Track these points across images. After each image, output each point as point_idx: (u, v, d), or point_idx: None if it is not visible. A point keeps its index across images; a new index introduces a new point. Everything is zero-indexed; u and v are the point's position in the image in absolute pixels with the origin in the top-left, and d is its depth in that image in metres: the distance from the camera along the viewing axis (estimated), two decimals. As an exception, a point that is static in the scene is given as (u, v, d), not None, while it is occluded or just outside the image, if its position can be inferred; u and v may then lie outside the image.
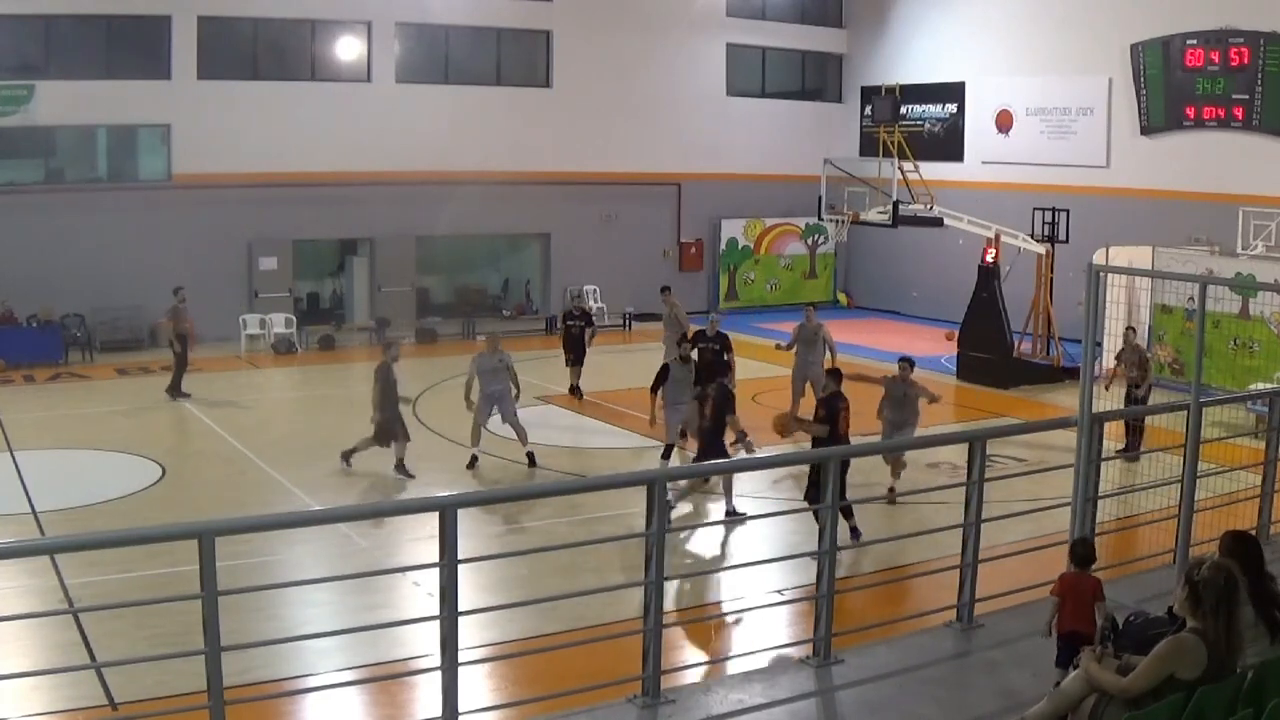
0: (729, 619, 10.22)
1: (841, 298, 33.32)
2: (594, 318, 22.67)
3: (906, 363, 15.16)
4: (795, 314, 25.74)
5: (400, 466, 15.69)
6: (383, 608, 10.32)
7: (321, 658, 9.46)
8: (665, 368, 16.28)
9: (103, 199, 24.70)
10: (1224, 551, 6.06)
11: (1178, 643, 5.53)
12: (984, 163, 29.62)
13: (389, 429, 15.71)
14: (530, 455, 16.17)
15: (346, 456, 15.91)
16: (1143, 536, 8.96)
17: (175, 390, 20.26)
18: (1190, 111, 25.12)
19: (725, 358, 17.26)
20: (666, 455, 15.75)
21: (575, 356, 21.00)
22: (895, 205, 23.68)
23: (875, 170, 24.62)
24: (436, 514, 6.02)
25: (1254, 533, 9.18)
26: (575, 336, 21.17)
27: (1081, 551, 7.09)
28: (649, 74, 30.29)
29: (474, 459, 16.13)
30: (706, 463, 13.26)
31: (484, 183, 27.43)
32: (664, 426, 15.92)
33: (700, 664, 8.79)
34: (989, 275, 22.85)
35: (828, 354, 18.05)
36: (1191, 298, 17.02)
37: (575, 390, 20.95)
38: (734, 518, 13.61)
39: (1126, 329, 18.16)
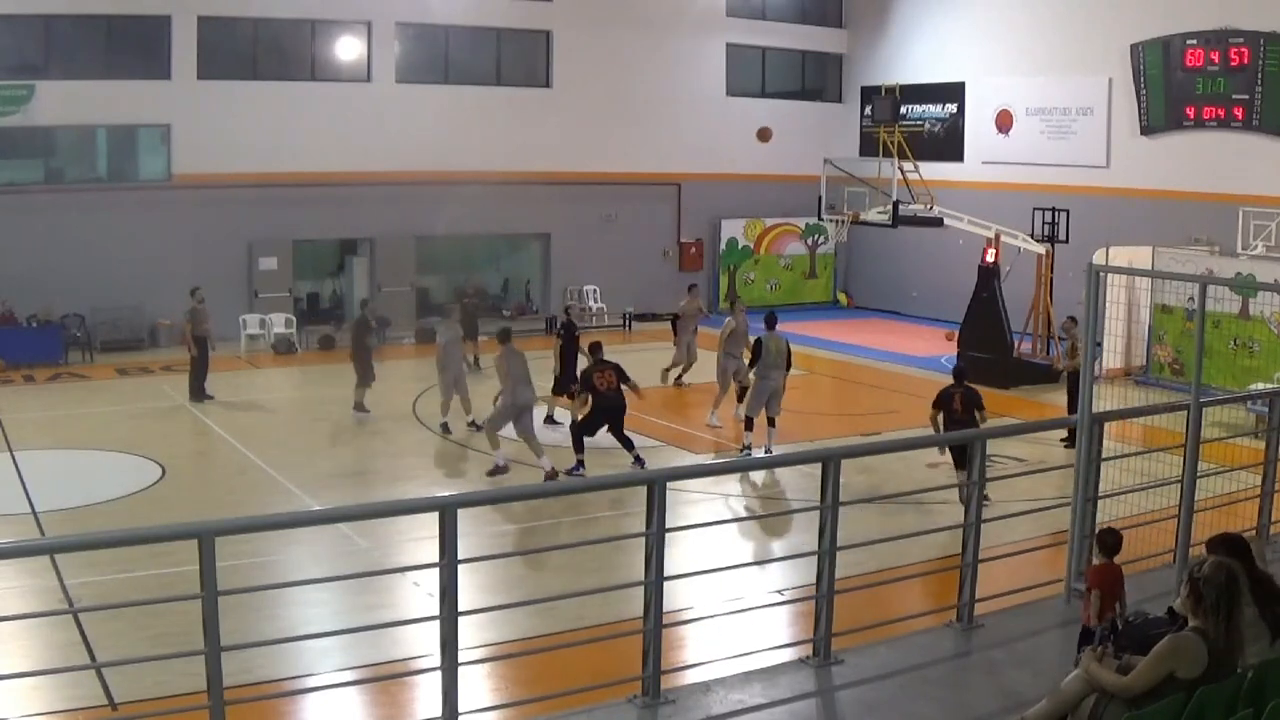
0: (729, 619, 10.20)
1: (841, 298, 33.32)
2: (483, 294, 24.36)
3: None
4: (795, 314, 25.90)
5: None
6: (383, 608, 10.32)
7: (321, 658, 9.47)
8: (758, 342, 17.27)
9: (103, 199, 24.70)
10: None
11: (1178, 641, 5.53)
12: (984, 163, 29.60)
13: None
14: (472, 423, 18.02)
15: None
16: (1143, 536, 8.95)
17: (199, 392, 20.16)
18: (1190, 111, 25.12)
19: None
20: (749, 427, 16.97)
21: (468, 332, 22.46)
22: (895, 205, 23.70)
23: (875, 170, 24.64)
24: (436, 514, 6.03)
25: (1254, 533, 9.21)
26: (470, 313, 22.93)
27: (1111, 541, 7.20)
28: (649, 74, 30.29)
29: (444, 426, 18.26)
30: (709, 463, 13.27)
31: (484, 183, 27.43)
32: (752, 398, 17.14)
33: (700, 664, 8.79)
34: (989, 275, 22.85)
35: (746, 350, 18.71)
36: (1191, 298, 17.02)
37: (475, 362, 22.57)
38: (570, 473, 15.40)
39: (1067, 318, 18.70)
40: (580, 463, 15.72)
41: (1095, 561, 7.26)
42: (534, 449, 15.54)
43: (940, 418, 14.59)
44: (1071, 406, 17.42)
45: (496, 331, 16.55)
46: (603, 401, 15.79)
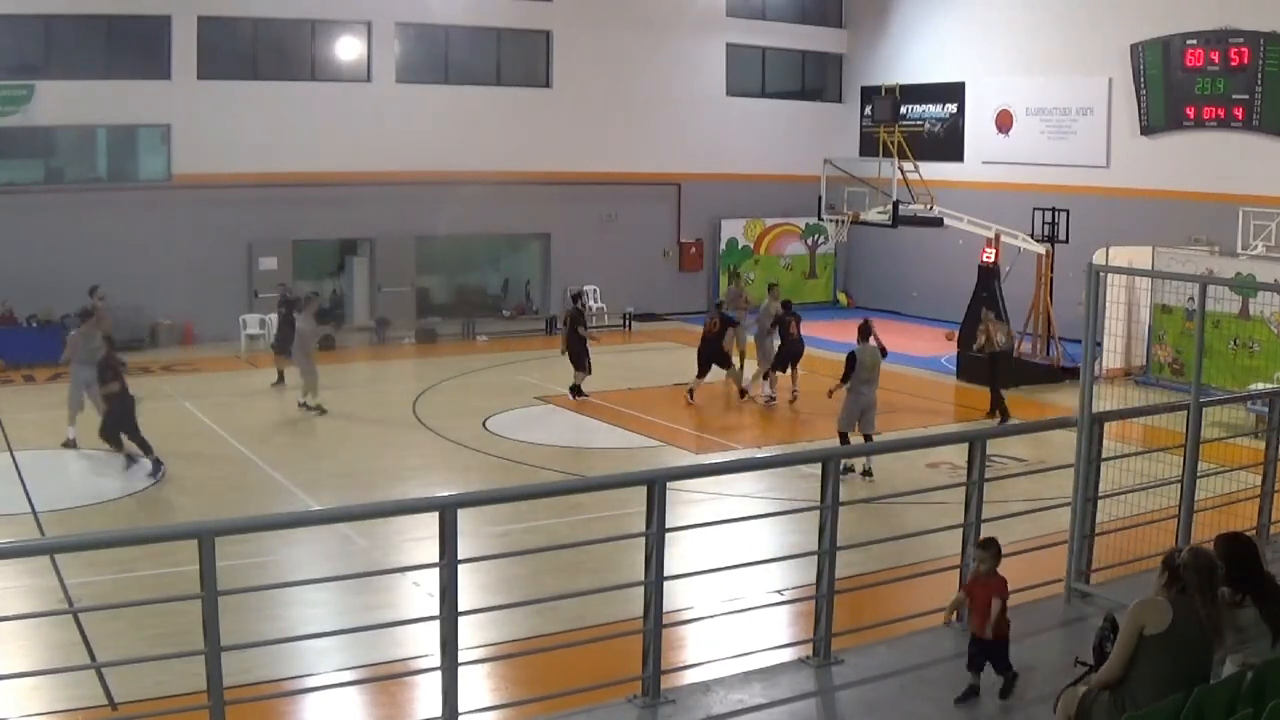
0: (729, 619, 10.21)
1: (841, 298, 33.32)
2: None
3: None
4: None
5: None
6: (383, 608, 10.32)
7: (321, 658, 9.46)
8: (850, 355, 15.67)
9: (103, 199, 24.69)
10: (1219, 554, 6.09)
11: (1139, 603, 5.73)
12: (984, 163, 29.60)
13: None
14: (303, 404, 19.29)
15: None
16: (1143, 536, 8.96)
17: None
18: (1190, 111, 25.12)
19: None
20: (844, 443, 15.52)
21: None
22: (895, 205, 23.69)
23: (875, 170, 24.63)
24: (436, 514, 6.03)
25: (1254, 533, 9.22)
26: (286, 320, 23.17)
27: (1000, 550, 7.15)
28: (649, 74, 30.29)
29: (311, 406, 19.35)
30: (709, 463, 13.25)
31: (484, 183, 27.43)
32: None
33: (700, 664, 8.79)
34: (989, 275, 22.85)
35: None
36: (1191, 298, 17.02)
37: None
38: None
39: (984, 311, 20.32)
40: (156, 461, 15.70)
41: (983, 569, 7.05)
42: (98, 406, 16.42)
43: None
44: (994, 391, 19.14)
45: (78, 311, 17.13)
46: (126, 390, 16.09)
